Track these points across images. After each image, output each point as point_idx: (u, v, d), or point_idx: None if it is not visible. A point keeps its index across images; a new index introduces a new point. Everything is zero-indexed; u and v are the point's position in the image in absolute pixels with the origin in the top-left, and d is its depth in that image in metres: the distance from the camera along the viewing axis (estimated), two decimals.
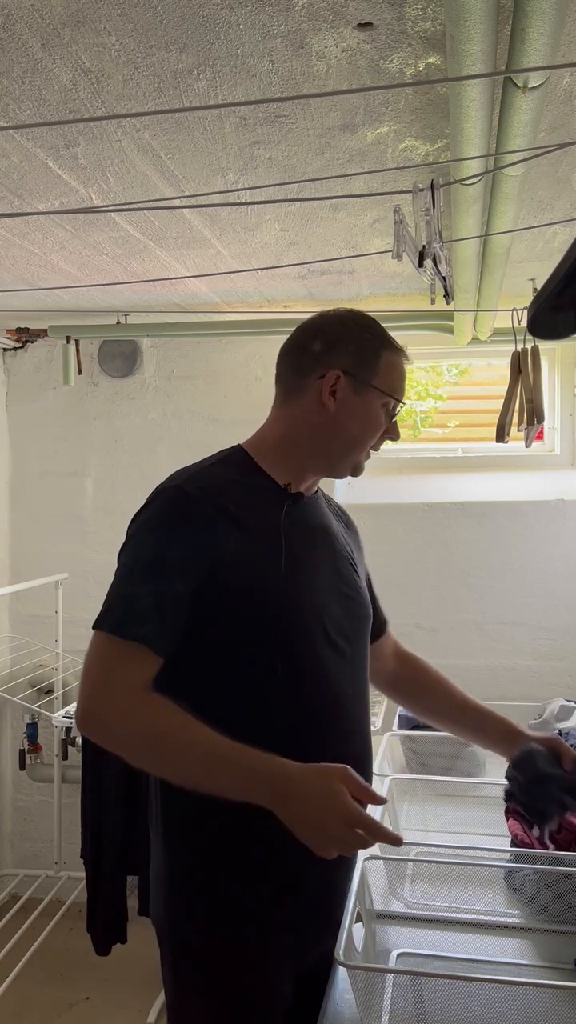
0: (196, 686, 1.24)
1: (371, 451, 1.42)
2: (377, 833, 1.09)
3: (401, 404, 1.41)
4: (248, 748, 1.11)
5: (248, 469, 1.34)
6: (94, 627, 1.21)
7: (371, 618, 1.48)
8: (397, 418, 1.43)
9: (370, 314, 1.43)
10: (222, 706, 1.22)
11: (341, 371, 1.34)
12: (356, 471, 1.42)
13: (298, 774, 1.10)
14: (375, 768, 1.53)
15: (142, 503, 1.30)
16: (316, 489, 1.46)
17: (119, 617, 1.19)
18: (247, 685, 1.26)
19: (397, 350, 1.39)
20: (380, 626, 1.60)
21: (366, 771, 1.38)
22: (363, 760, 1.38)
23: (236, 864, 1.27)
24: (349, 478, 1.45)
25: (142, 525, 1.26)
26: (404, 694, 1.68)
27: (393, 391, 1.38)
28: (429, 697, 1.64)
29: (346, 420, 1.35)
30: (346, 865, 1.32)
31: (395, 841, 1.11)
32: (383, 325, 1.42)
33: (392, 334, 1.43)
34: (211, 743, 1.12)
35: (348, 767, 1.11)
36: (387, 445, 1.46)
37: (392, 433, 1.42)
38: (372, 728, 2.31)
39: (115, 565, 1.27)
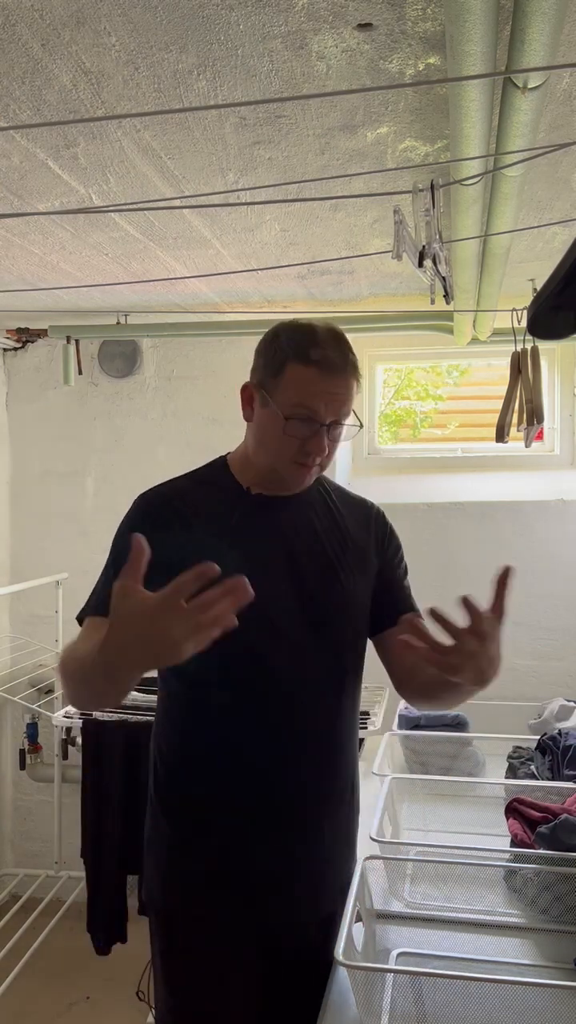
0: (159, 677, 1.41)
1: (303, 463, 1.35)
2: (185, 581, 0.97)
3: (307, 421, 1.31)
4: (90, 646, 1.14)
5: (219, 473, 1.44)
6: (77, 619, 1.37)
7: (346, 613, 1.43)
8: (351, 436, 1.38)
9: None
10: (166, 701, 1.41)
11: (254, 384, 1.37)
12: (284, 483, 1.39)
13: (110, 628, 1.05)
14: (375, 768, 1.53)
15: None
16: (303, 489, 1.43)
17: (85, 606, 1.36)
18: (181, 678, 1.36)
19: (311, 362, 1.30)
20: (392, 618, 1.49)
21: (335, 765, 1.41)
22: (327, 753, 1.40)
23: (183, 825, 1.38)
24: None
25: (117, 531, 1.40)
26: (403, 679, 1.53)
27: (291, 407, 1.30)
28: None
29: (259, 433, 1.38)
30: (289, 826, 1.37)
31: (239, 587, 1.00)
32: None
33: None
34: (79, 656, 1.18)
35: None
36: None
37: (311, 448, 1.33)
38: (372, 727, 2.31)
39: None
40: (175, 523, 1.35)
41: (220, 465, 1.46)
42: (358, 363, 1.37)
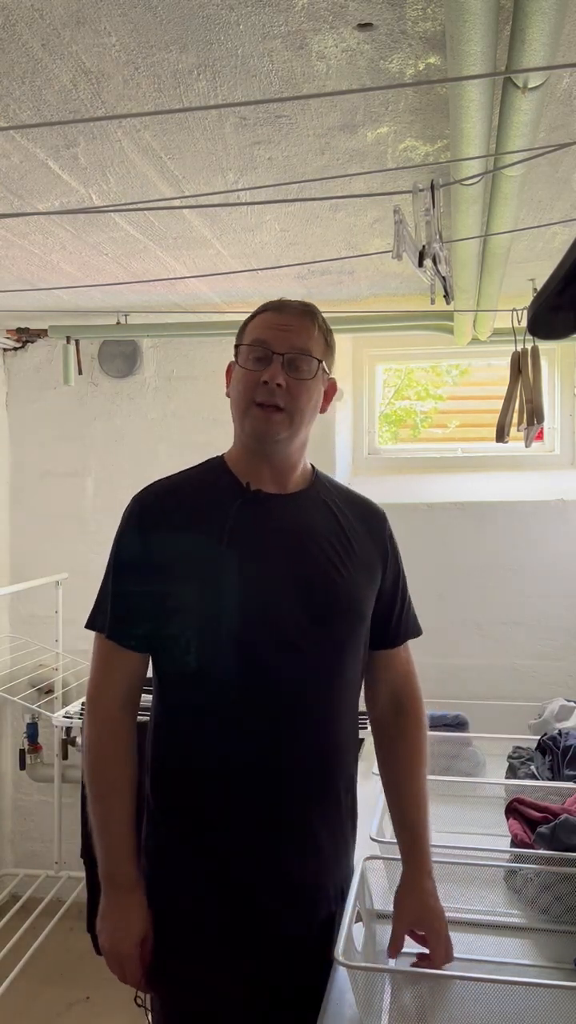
0: (155, 677, 1.42)
1: (260, 405, 1.36)
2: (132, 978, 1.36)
3: (256, 346, 1.37)
4: (124, 854, 1.35)
5: (216, 470, 1.43)
6: (87, 626, 1.42)
7: (347, 615, 1.40)
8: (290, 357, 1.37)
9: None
10: (161, 703, 1.41)
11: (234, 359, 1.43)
12: (257, 435, 1.37)
13: (111, 906, 1.36)
14: (375, 768, 1.53)
15: None
16: (306, 485, 1.44)
17: (95, 617, 1.40)
18: (178, 679, 1.37)
19: (265, 309, 1.41)
20: (389, 639, 1.50)
21: (331, 768, 1.39)
22: (324, 756, 1.38)
23: (180, 827, 1.38)
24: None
25: (116, 533, 1.42)
26: (378, 746, 1.53)
27: (247, 340, 1.39)
28: (390, 785, 1.50)
29: (232, 391, 1.42)
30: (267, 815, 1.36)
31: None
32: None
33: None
34: (114, 827, 1.35)
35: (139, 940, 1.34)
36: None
37: (267, 375, 1.34)
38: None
39: None
40: (171, 523, 1.36)
41: (217, 462, 1.45)
42: (324, 323, 1.41)
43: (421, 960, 1.32)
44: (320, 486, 1.47)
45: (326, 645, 1.37)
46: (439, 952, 1.31)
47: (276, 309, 1.40)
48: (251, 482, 1.39)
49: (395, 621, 1.50)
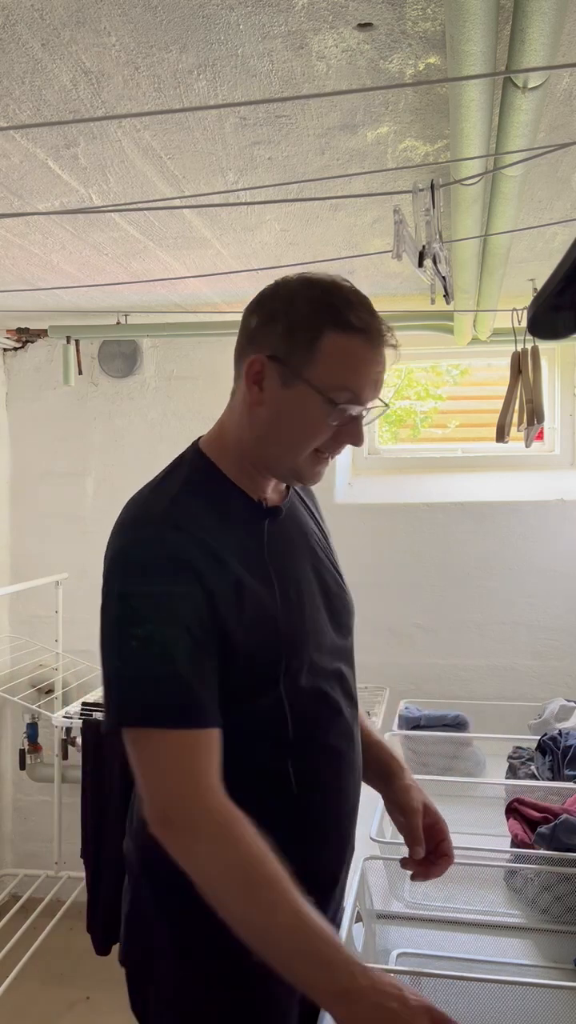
0: None
1: (326, 456, 1.15)
2: None
3: (354, 404, 1.09)
4: (328, 933, 0.94)
5: (216, 484, 1.15)
6: (133, 723, 1.02)
7: (353, 618, 1.31)
8: (376, 416, 1.16)
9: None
10: (229, 774, 1.03)
11: (268, 356, 1.10)
12: (300, 478, 1.18)
13: (374, 982, 0.91)
14: None
15: None
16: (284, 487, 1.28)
17: (164, 703, 1.00)
18: (258, 747, 1.11)
19: (355, 330, 1.07)
20: None
21: (358, 795, 1.26)
22: (360, 787, 1.27)
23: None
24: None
25: (132, 576, 1.04)
26: None
27: (332, 388, 1.07)
28: None
29: (277, 420, 1.11)
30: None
31: None
32: None
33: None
34: (296, 910, 0.93)
35: (433, 1007, 0.91)
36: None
37: (350, 438, 1.12)
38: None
39: None
40: (213, 566, 1.05)
41: (214, 476, 1.16)
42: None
43: (421, 864, 1.24)
44: None
45: (351, 655, 1.28)
46: (448, 844, 1.25)
47: (366, 336, 1.09)
48: (261, 498, 1.19)
49: None
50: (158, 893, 1.18)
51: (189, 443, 1.24)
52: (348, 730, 1.21)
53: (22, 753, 3.24)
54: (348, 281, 1.15)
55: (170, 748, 1.00)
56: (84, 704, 2.71)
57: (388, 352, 1.12)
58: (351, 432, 1.12)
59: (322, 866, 1.19)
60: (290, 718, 1.10)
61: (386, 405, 1.18)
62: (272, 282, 1.19)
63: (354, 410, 1.10)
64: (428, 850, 1.25)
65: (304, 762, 1.13)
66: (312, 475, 1.17)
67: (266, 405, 1.12)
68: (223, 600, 1.04)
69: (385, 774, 1.29)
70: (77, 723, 2.67)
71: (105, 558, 1.10)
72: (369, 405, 1.12)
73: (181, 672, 1.00)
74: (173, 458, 1.22)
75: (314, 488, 1.38)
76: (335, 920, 1.23)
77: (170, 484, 1.14)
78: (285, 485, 1.26)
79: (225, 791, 1.00)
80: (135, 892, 1.22)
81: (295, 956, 0.93)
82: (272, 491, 1.22)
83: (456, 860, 1.53)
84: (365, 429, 1.15)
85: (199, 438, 1.23)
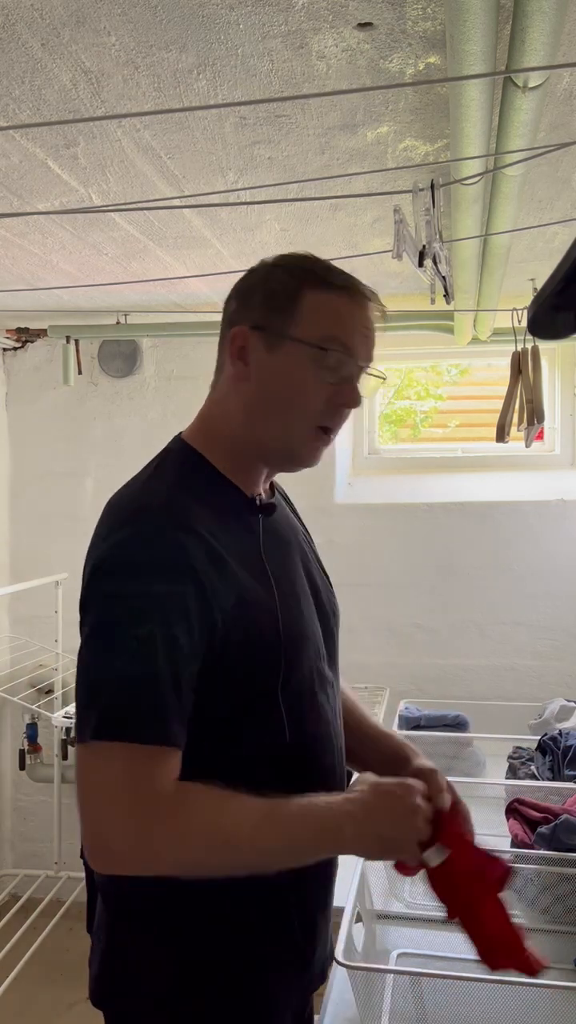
0: (189, 765, 0.97)
1: (325, 429, 1.06)
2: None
3: (345, 356, 1.03)
4: (304, 801, 0.95)
5: (208, 478, 1.08)
6: (99, 736, 0.92)
7: (338, 620, 1.24)
8: (361, 379, 1.08)
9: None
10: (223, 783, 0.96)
11: (250, 327, 1.05)
12: (298, 458, 1.09)
13: (366, 793, 0.98)
14: None
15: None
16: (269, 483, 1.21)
17: (128, 717, 0.92)
18: (254, 756, 1.04)
19: (336, 287, 1.04)
20: None
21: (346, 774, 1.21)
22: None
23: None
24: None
25: (119, 577, 0.98)
26: None
27: (321, 339, 1.02)
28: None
29: (268, 388, 1.05)
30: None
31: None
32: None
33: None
34: (275, 809, 0.94)
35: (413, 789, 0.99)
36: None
37: (346, 398, 1.05)
38: None
39: None
40: (215, 565, 0.99)
41: (204, 469, 1.09)
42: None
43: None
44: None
45: (337, 658, 1.22)
46: (468, 818, 1.10)
47: (348, 291, 1.04)
48: (253, 492, 1.13)
49: None
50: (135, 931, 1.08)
51: None
52: (338, 743, 1.15)
53: (22, 753, 3.24)
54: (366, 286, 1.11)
55: (108, 762, 0.92)
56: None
57: (375, 315, 1.07)
58: (346, 393, 1.04)
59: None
60: (288, 725, 1.04)
61: (383, 377, 1.12)
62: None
63: (347, 366, 1.04)
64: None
65: (302, 772, 1.07)
66: (310, 454, 1.09)
67: (253, 378, 1.06)
68: (223, 601, 0.98)
69: (402, 759, 1.17)
70: None
71: (90, 555, 1.04)
72: (365, 363, 1.06)
73: (164, 687, 0.93)
74: None
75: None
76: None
77: (162, 478, 1.07)
78: (270, 484, 1.20)
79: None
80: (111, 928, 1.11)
81: (304, 838, 0.95)
82: (262, 489, 1.16)
83: None
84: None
85: (179, 433, 1.17)
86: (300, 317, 1.03)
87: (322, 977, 1.17)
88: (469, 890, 1.00)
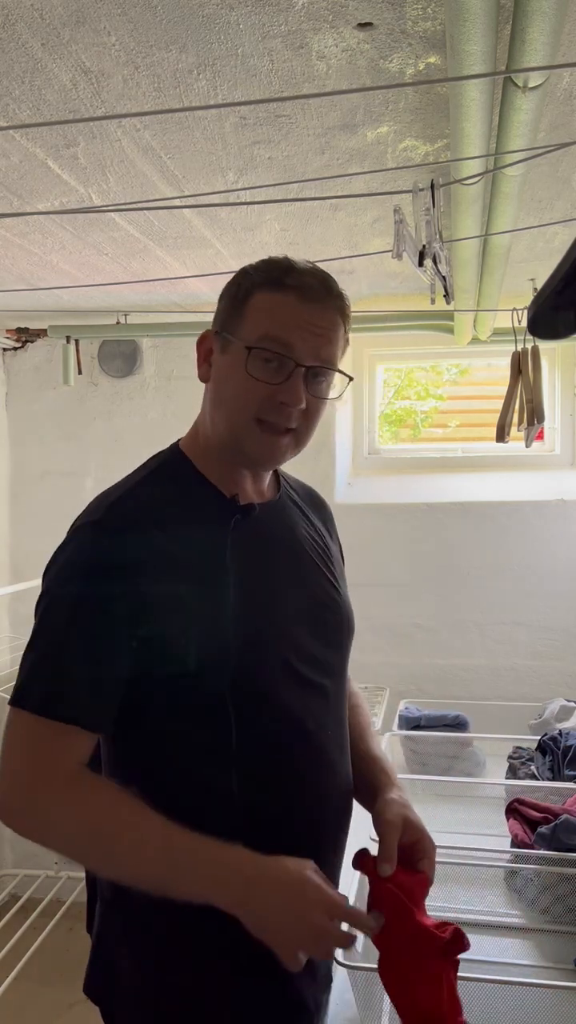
0: (135, 766, 1.07)
1: (261, 422, 1.07)
2: (359, 923, 0.97)
3: (280, 354, 1.05)
4: (207, 839, 0.94)
5: (186, 478, 1.13)
6: (13, 703, 1.02)
7: (350, 635, 1.25)
8: (342, 390, 1.12)
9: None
10: (169, 787, 1.03)
11: (214, 331, 1.11)
12: (249, 455, 1.11)
13: (269, 862, 0.95)
14: None
15: None
16: (278, 488, 1.24)
17: (43, 694, 1.01)
18: (198, 760, 1.05)
19: (286, 287, 1.05)
20: None
21: (345, 830, 1.20)
22: (344, 818, 1.18)
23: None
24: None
25: (57, 575, 1.05)
26: None
27: (259, 338, 1.05)
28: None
29: (217, 387, 1.10)
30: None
31: (368, 929, 0.98)
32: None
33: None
34: (167, 835, 0.94)
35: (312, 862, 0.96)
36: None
37: (284, 396, 1.05)
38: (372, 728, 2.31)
39: None
40: (153, 563, 1.02)
41: (183, 468, 1.14)
42: (348, 305, 1.13)
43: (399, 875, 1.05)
44: (284, 485, 1.26)
45: (339, 671, 1.20)
46: (431, 859, 1.09)
47: (298, 291, 1.06)
48: (236, 494, 1.13)
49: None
50: (128, 926, 1.11)
51: None
52: (319, 755, 1.11)
53: None
54: (311, 263, 1.13)
55: (21, 730, 1.01)
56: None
57: (328, 314, 1.08)
58: (284, 391, 1.05)
59: None
60: (235, 728, 1.02)
61: (349, 378, 1.13)
62: None
63: (283, 364, 1.05)
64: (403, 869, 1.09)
65: (254, 780, 1.05)
66: (259, 450, 1.10)
67: (212, 378, 1.13)
68: (162, 599, 1.01)
69: (373, 790, 1.18)
70: None
71: None
72: (309, 362, 1.07)
73: (82, 657, 1.02)
74: None
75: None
76: None
77: (132, 477, 1.14)
78: (277, 486, 1.23)
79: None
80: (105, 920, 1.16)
81: (182, 874, 0.95)
82: (254, 490, 1.18)
83: (456, 861, 1.53)
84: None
85: (179, 439, 1.23)
86: (246, 318, 1.08)
87: (327, 979, 1.17)
88: (401, 960, 0.94)
